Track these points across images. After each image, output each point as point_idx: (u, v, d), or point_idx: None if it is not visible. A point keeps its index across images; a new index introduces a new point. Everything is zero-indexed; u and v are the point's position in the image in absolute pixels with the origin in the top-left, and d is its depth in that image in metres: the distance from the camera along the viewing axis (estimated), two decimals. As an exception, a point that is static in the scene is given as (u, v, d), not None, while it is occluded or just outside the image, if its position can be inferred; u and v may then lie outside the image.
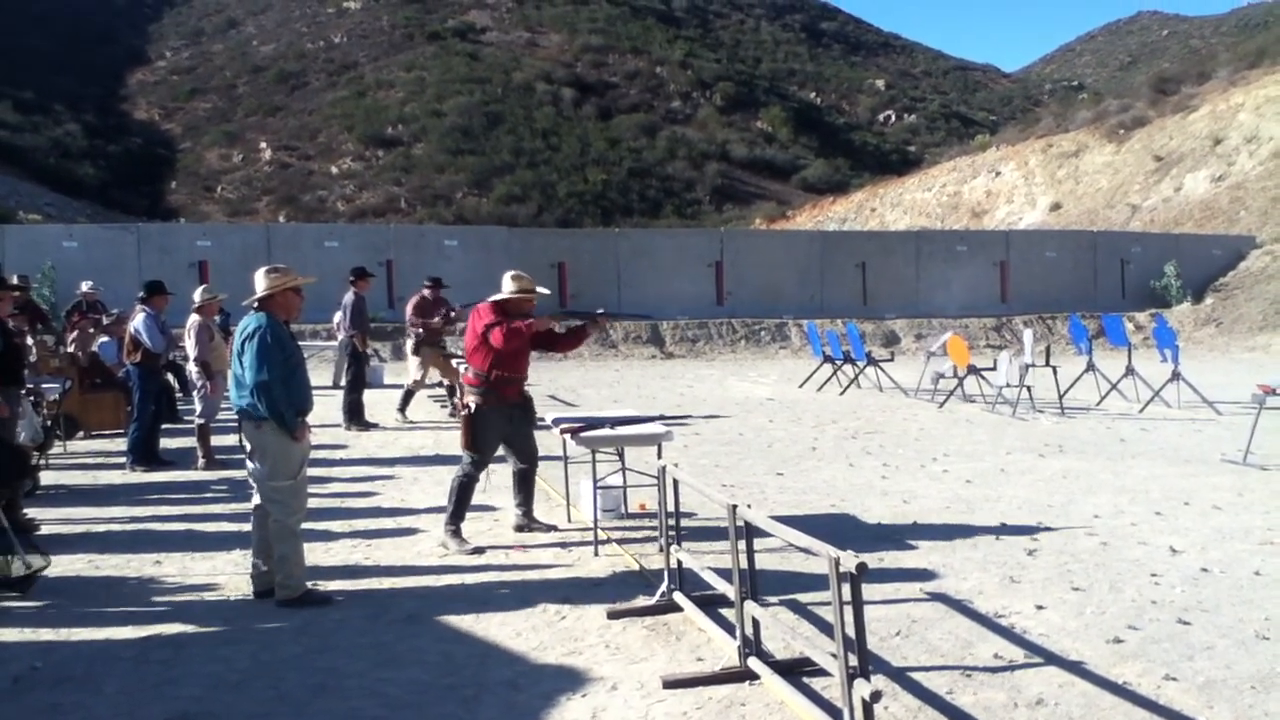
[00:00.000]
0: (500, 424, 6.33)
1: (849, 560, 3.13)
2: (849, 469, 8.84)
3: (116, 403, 11.09)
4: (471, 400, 6.26)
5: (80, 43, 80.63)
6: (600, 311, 7.13)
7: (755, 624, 4.12)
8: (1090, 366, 13.15)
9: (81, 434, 10.88)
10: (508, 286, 6.36)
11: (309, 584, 5.31)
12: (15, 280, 12.96)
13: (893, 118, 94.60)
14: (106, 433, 11.03)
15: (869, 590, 4.47)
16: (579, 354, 20.25)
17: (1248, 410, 9.75)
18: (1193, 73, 47.38)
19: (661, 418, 7.35)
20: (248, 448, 5.33)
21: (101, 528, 6.94)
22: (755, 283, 24.13)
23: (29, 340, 10.81)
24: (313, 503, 5.82)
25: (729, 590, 4.23)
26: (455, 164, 67.89)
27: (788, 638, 4.07)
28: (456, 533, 6.28)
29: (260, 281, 5.39)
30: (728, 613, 4.47)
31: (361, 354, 11.84)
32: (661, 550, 5.22)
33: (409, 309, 12.12)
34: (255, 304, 5.38)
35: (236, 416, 5.51)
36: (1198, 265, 27.13)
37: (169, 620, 4.98)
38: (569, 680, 4.20)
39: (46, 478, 8.27)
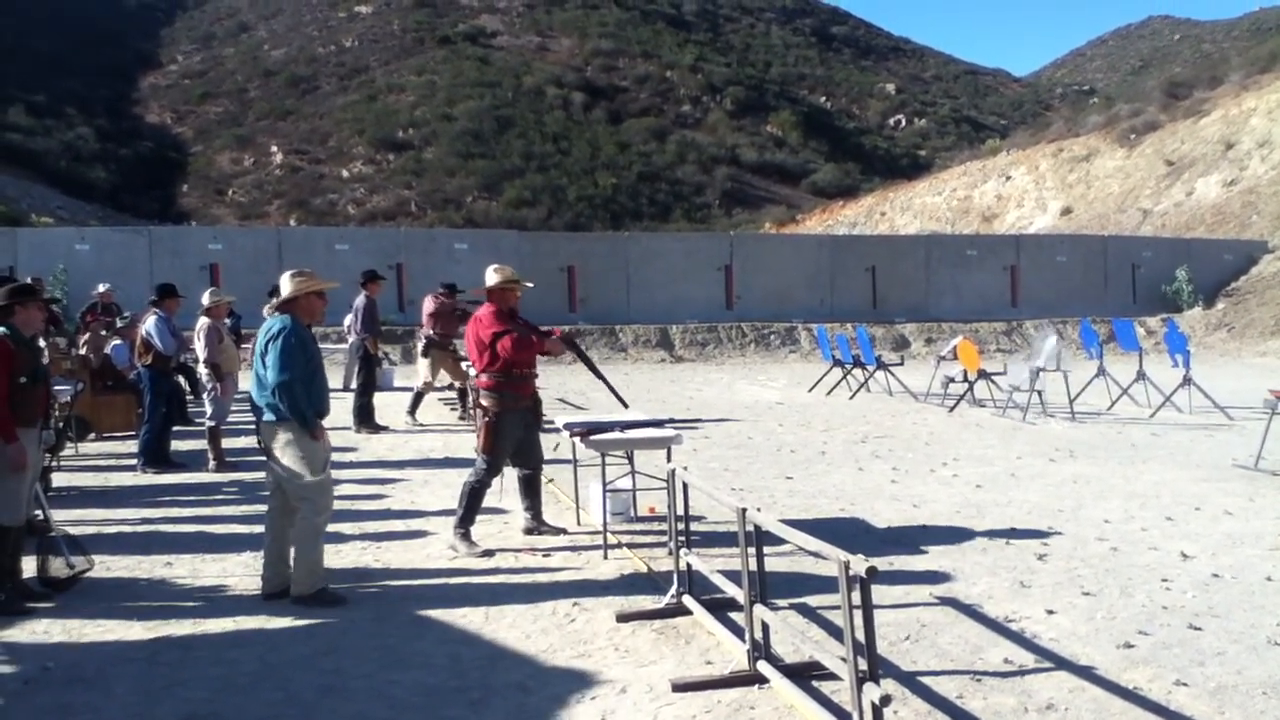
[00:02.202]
0: (516, 428, 6.35)
1: (859, 564, 3.13)
2: (858, 473, 8.82)
3: (128, 405, 11.14)
4: (491, 405, 6.26)
5: (92, 46, 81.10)
6: (573, 337, 7.09)
7: (764, 627, 4.12)
8: (1101, 371, 13.12)
9: (93, 436, 10.92)
10: (491, 279, 6.38)
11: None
12: (30, 281, 13.05)
13: (903, 122, 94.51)
14: (118, 435, 11.07)
15: (879, 594, 4.46)
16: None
17: (1259, 415, 9.71)
18: (1204, 77, 47.18)
19: (671, 421, 7.36)
20: (269, 450, 5.36)
21: (113, 529, 6.97)
22: (765, 286, 24.10)
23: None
24: (323, 505, 5.83)
25: (738, 594, 4.23)
26: (465, 168, 68.14)
27: (797, 641, 4.06)
28: (466, 535, 6.29)
29: (286, 284, 5.47)
30: (737, 616, 4.47)
31: (372, 357, 11.87)
32: (671, 553, 5.22)
33: (429, 312, 12.08)
34: (277, 307, 5.45)
35: (253, 418, 5.55)
36: (1209, 270, 27.01)
37: (179, 621, 5.00)
38: (578, 683, 4.21)
39: (58, 479, 8.29)
